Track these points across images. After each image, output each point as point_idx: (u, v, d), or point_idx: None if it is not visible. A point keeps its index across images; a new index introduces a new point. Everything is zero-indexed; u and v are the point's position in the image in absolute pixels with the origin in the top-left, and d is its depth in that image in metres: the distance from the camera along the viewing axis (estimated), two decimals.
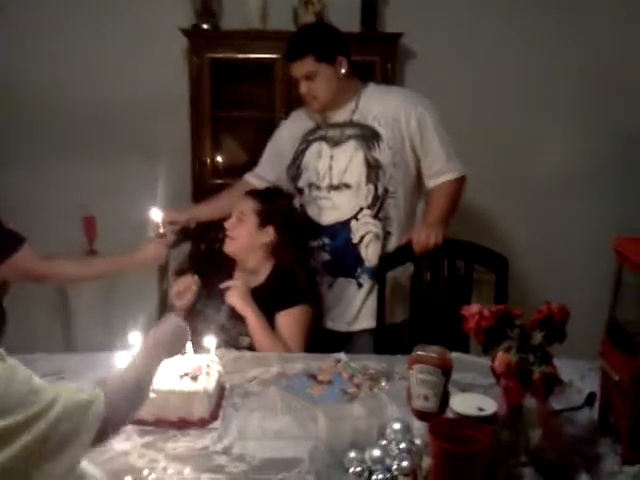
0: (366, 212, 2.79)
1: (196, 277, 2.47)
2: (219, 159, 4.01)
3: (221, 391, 2.02)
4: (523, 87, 4.05)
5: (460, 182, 2.85)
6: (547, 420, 1.66)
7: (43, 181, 3.96)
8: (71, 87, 3.96)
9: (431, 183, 2.85)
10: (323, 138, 2.87)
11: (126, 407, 1.53)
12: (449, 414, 1.74)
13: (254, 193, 2.77)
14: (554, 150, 4.05)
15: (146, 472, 1.64)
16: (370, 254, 2.81)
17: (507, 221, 4.12)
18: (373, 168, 2.78)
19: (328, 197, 2.82)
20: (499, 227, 4.10)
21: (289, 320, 2.56)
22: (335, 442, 1.68)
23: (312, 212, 2.87)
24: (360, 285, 2.84)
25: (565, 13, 3.96)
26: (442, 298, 2.80)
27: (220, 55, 3.84)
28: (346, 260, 2.83)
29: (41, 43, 3.94)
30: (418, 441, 1.66)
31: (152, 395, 1.83)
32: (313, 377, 2.15)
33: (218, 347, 2.13)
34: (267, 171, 3.06)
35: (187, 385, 1.92)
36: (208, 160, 3.91)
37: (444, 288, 2.81)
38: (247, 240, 2.65)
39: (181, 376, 1.95)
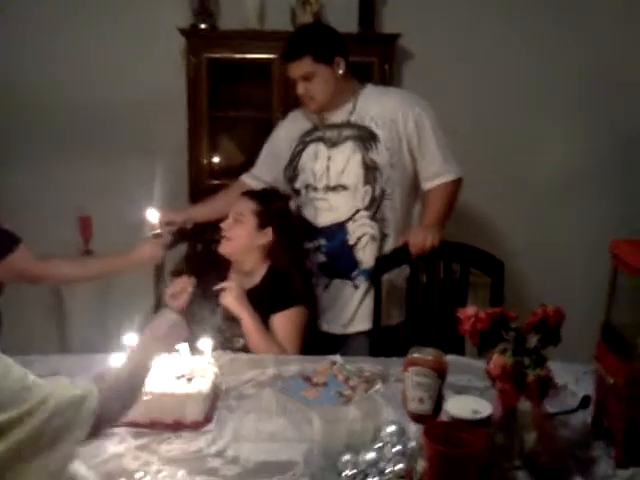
0: (363, 213, 2.79)
1: (192, 279, 2.46)
2: (216, 159, 4.00)
3: (216, 393, 2.01)
4: (521, 88, 4.04)
5: (457, 184, 2.85)
6: (542, 423, 1.66)
7: (39, 181, 3.95)
8: (68, 87, 3.95)
9: (428, 185, 2.85)
10: (320, 139, 2.87)
11: (120, 402, 1.53)
12: (444, 417, 1.74)
13: (252, 194, 2.75)
14: (552, 151, 4.05)
15: (140, 475, 1.64)
16: (366, 256, 2.80)
17: (504, 223, 4.12)
18: (370, 169, 2.78)
19: (325, 198, 2.82)
20: (495, 229, 4.10)
21: (284, 322, 2.55)
22: (330, 445, 1.67)
23: (308, 213, 2.86)
24: (356, 287, 2.83)
25: (564, 13, 3.95)
26: (438, 300, 2.79)
27: (218, 55, 3.83)
28: (342, 262, 2.83)
29: (41, 43, 3.94)
30: (413, 444, 1.65)
31: (147, 397, 1.84)
32: (308, 379, 2.14)
33: (214, 349, 2.12)
34: (264, 172, 3.05)
35: (182, 387, 1.92)
36: (205, 160, 3.91)
37: (440, 290, 2.81)
38: (245, 241, 2.64)
39: (177, 378, 1.95)
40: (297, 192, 2.91)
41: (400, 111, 2.80)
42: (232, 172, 3.47)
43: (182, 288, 2.51)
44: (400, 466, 1.57)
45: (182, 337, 1.91)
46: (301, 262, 2.75)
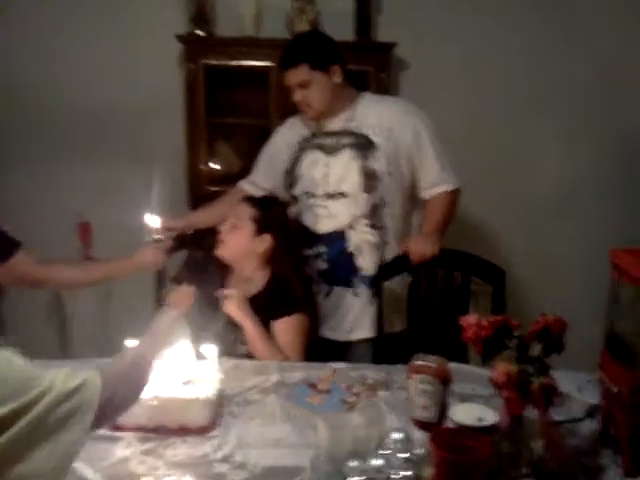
0: (362, 221, 2.80)
1: (193, 288, 2.46)
2: (214, 166, 4.00)
3: (221, 399, 2.01)
4: (518, 97, 4.06)
5: (455, 193, 2.87)
6: (548, 431, 1.67)
7: (38, 187, 3.94)
8: (66, 94, 3.93)
9: (426, 194, 2.87)
10: (318, 146, 2.87)
11: (124, 390, 1.53)
12: (449, 424, 1.75)
13: (251, 200, 2.76)
14: (551, 161, 4.07)
15: (146, 479, 1.64)
16: (367, 263, 2.81)
17: (503, 232, 4.13)
18: (369, 177, 2.79)
19: (324, 205, 2.83)
20: (496, 238, 4.11)
21: (286, 328, 2.55)
22: (335, 451, 1.68)
23: (308, 220, 2.87)
24: (357, 294, 2.84)
25: (565, 23, 3.98)
26: (440, 308, 2.81)
27: (215, 62, 3.83)
28: (342, 269, 2.84)
29: (41, 45, 3.92)
30: (419, 451, 1.66)
31: (152, 402, 1.85)
32: (313, 386, 2.15)
33: (219, 356, 2.12)
34: (261, 178, 3.06)
35: (187, 392, 1.92)
36: (203, 167, 3.91)
37: (441, 298, 2.82)
38: (242, 247, 2.64)
39: (182, 383, 1.95)
40: (296, 199, 2.91)
41: (398, 120, 2.82)
42: (230, 179, 3.47)
43: (183, 298, 2.50)
44: (407, 473, 1.58)
45: (182, 333, 1.93)
46: (301, 269, 2.76)
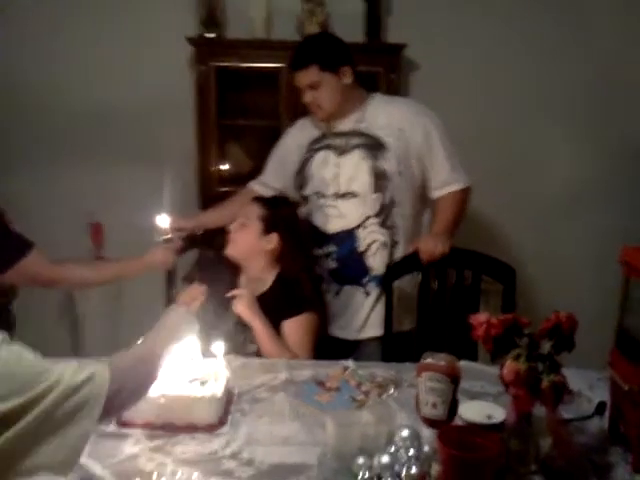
0: (373, 220, 2.81)
1: (203, 287, 2.46)
2: (225, 167, 4.02)
3: (229, 397, 2.02)
4: (528, 99, 4.06)
5: (465, 193, 2.87)
6: (557, 429, 1.67)
7: (50, 188, 3.96)
8: (76, 93, 3.96)
9: (436, 194, 2.87)
10: (329, 147, 2.88)
11: (133, 383, 1.54)
12: (458, 422, 1.75)
13: (260, 200, 2.77)
14: (560, 162, 4.07)
15: (155, 476, 1.64)
16: (377, 263, 2.82)
17: (514, 231, 4.13)
18: (379, 177, 2.79)
19: (334, 205, 2.83)
20: (506, 237, 4.11)
21: (295, 328, 2.55)
22: (344, 448, 1.67)
23: (318, 220, 2.88)
24: (367, 293, 2.85)
25: (575, 25, 4.00)
26: (450, 307, 2.80)
27: (225, 64, 3.85)
28: (352, 268, 2.84)
29: (48, 45, 3.94)
30: (427, 448, 1.65)
31: (161, 400, 1.85)
32: (321, 384, 2.15)
33: (226, 353, 2.12)
34: (272, 179, 3.07)
35: (195, 390, 1.92)
36: (214, 168, 3.93)
37: (452, 297, 2.82)
38: (249, 245, 2.65)
39: (190, 381, 1.95)
40: (306, 199, 2.92)
41: (408, 121, 2.82)
42: (241, 179, 3.48)
43: (193, 298, 2.51)
44: (414, 470, 1.57)
45: (191, 329, 1.93)
46: (310, 268, 2.76)
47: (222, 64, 3.84)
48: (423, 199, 2.92)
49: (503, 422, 1.68)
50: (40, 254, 2.30)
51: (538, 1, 4.00)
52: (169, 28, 3.89)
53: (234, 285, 2.65)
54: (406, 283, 2.86)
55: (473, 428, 1.64)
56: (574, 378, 1.77)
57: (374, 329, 2.84)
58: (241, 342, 2.54)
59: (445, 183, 2.84)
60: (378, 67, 3.81)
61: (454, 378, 1.86)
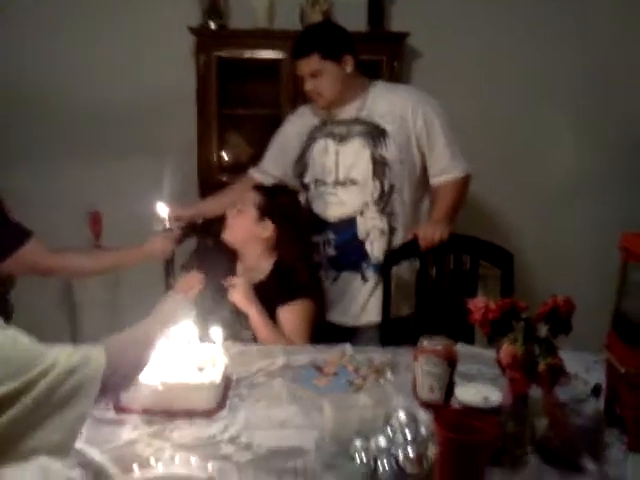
0: (372, 208, 2.81)
1: (201, 275, 2.47)
2: (225, 156, 4.02)
3: (227, 382, 2.02)
4: (530, 86, 4.06)
5: (465, 180, 2.87)
6: (553, 410, 1.67)
7: (50, 178, 3.97)
8: (77, 84, 3.97)
9: (436, 181, 2.87)
10: (329, 134, 2.88)
11: (127, 367, 1.54)
12: (455, 404, 1.75)
13: (259, 187, 2.78)
14: (561, 149, 4.07)
15: (153, 461, 1.64)
16: (375, 249, 2.83)
17: (515, 218, 4.14)
18: (379, 164, 2.80)
19: (334, 193, 2.84)
20: (507, 224, 4.12)
21: (291, 315, 2.56)
22: (341, 431, 1.68)
23: (318, 207, 2.88)
24: (365, 279, 2.85)
25: (577, 17, 3.99)
26: (448, 293, 2.80)
27: (227, 54, 3.85)
28: (352, 255, 2.85)
29: (43, 41, 3.95)
30: (424, 430, 1.66)
31: (160, 387, 1.86)
32: (319, 369, 2.16)
33: (223, 340, 2.13)
34: (271, 166, 3.07)
35: (194, 377, 1.93)
36: (214, 157, 3.93)
37: (450, 282, 2.82)
38: (245, 231, 2.65)
39: (188, 367, 1.96)
40: (306, 187, 2.93)
41: (409, 108, 2.82)
42: (241, 168, 3.49)
43: (191, 285, 2.52)
44: (411, 452, 1.57)
45: (187, 313, 1.94)
46: (308, 256, 2.77)
47: (224, 54, 3.84)
48: (423, 186, 2.92)
49: (500, 404, 1.68)
50: (39, 243, 2.30)
51: None
52: (171, 18, 3.90)
53: (232, 273, 2.66)
54: (404, 269, 2.86)
55: (470, 411, 1.64)
56: (571, 361, 1.77)
57: (372, 315, 2.84)
58: (237, 329, 2.53)
59: (445, 170, 2.84)
60: (381, 55, 3.82)
61: (451, 361, 1.87)
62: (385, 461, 1.56)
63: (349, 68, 2.80)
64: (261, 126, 3.86)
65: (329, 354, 2.27)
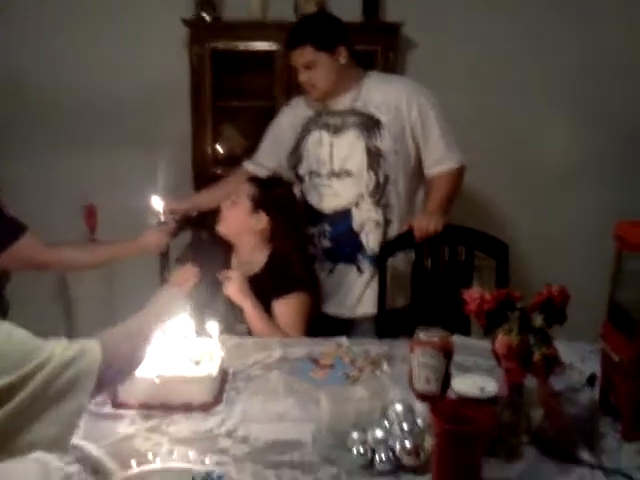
0: (367, 199, 2.81)
1: (195, 269, 2.47)
2: (219, 148, 4.02)
3: (224, 376, 2.02)
4: (524, 76, 4.05)
5: (459, 171, 2.87)
6: (548, 400, 1.68)
7: (44, 171, 3.97)
8: (71, 77, 3.96)
9: (430, 172, 2.87)
10: (323, 126, 2.88)
11: (122, 360, 1.53)
12: (451, 395, 1.76)
13: (254, 179, 2.78)
14: (555, 138, 4.07)
15: (151, 455, 1.64)
16: (371, 241, 2.83)
17: (507, 208, 4.15)
18: (374, 156, 2.79)
19: (329, 184, 2.83)
20: (499, 214, 4.12)
21: (287, 308, 2.56)
22: (338, 424, 1.68)
23: (313, 199, 2.88)
24: (361, 271, 2.85)
25: (569, 4, 3.97)
26: (443, 283, 2.81)
27: (221, 45, 3.85)
28: (347, 247, 2.85)
29: (43, 35, 3.94)
30: (420, 421, 1.67)
31: (156, 380, 1.86)
32: (315, 361, 2.16)
33: (219, 333, 2.13)
34: (266, 158, 3.06)
35: (191, 370, 1.93)
36: (209, 149, 3.93)
37: (445, 273, 2.82)
38: (238, 223, 2.65)
39: (185, 361, 1.96)
40: (301, 178, 2.92)
41: (404, 99, 2.81)
42: (235, 160, 3.48)
43: (185, 278, 2.52)
44: (408, 444, 1.58)
45: (182, 308, 1.94)
46: (302, 248, 2.77)
47: (218, 46, 3.83)
48: (417, 177, 2.92)
49: (496, 395, 1.68)
50: (34, 237, 2.30)
51: None
52: (165, 11, 3.89)
53: (227, 266, 2.66)
54: (400, 261, 2.86)
55: (466, 401, 1.65)
56: (566, 351, 1.78)
57: (368, 307, 2.84)
58: (230, 322, 2.53)
59: (439, 161, 2.84)
60: (376, 46, 3.81)
61: (447, 353, 1.87)
62: (382, 453, 1.57)
63: (343, 59, 2.79)
64: (255, 118, 3.85)
65: (325, 346, 2.28)
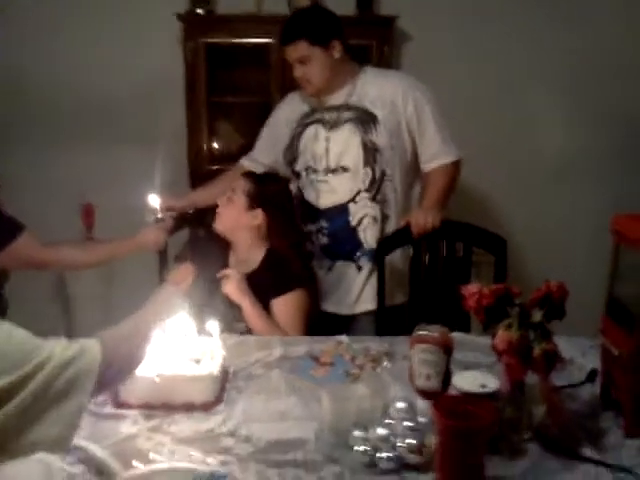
0: (364, 195, 2.80)
1: (193, 267, 2.46)
2: (215, 144, 4.01)
3: (225, 375, 2.02)
4: (520, 70, 4.05)
5: (456, 166, 2.87)
6: (549, 396, 1.68)
7: (41, 170, 3.96)
8: (67, 76, 3.94)
9: (427, 167, 2.86)
10: (319, 121, 2.87)
11: (121, 360, 1.53)
12: (452, 391, 1.76)
13: (249, 175, 2.77)
14: (551, 133, 4.07)
15: (153, 455, 1.64)
16: (368, 237, 2.82)
17: (504, 203, 4.15)
18: (370, 151, 2.79)
19: (325, 180, 2.83)
20: (496, 209, 4.12)
21: (285, 306, 2.56)
22: (340, 422, 1.69)
23: (309, 196, 2.87)
24: (360, 268, 2.85)
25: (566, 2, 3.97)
26: (441, 279, 2.81)
27: (215, 40, 3.83)
28: (345, 243, 2.85)
29: (41, 36, 3.93)
30: (422, 419, 1.67)
31: (157, 380, 1.86)
32: (316, 359, 2.16)
33: (221, 332, 2.13)
34: (263, 155, 3.06)
35: (192, 369, 1.93)
36: (204, 145, 3.92)
37: (443, 269, 2.82)
38: (234, 219, 2.65)
39: (186, 360, 1.96)
40: (297, 175, 2.92)
41: (400, 93, 2.81)
42: (231, 157, 3.48)
43: (183, 277, 2.51)
44: (410, 441, 1.58)
45: (180, 307, 1.94)
46: (300, 245, 2.77)
47: (212, 40, 3.82)
48: (414, 172, 2.91)
49: (497, 391, 1.69)
50: (31, 236, 2.30)
51: None
52: (158, 5, 3.86)
53: (225, 264, 2.66)
54: (398, 257, 2.86)
55: (467, 398, 1.65)
56: (567, 346, 1.79)
57: (367, 303, 2.85)
58: (229, 320, 2.52)
59: (435, 156, 2.84)
60: (370, 40, 3.80)
61: (447, 349, 1.87)
62: (385, 451, 1.58)
63: (337, 54, 2.78)
64: (251, 114, 3.85)
65: (326, 344, 2.28)
